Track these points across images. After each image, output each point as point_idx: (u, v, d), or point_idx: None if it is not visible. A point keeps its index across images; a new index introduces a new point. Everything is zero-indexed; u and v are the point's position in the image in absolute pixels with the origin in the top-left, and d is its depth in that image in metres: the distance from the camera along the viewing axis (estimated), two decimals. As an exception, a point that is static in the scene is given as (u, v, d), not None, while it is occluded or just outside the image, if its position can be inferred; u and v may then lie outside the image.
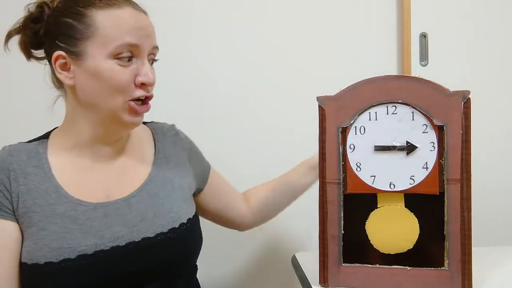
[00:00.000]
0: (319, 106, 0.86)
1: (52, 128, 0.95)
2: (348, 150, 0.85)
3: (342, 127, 0.84)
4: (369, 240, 0.85)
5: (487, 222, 1.22)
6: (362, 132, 0.84)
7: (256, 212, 1.12)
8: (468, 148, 0.80)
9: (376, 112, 0.84)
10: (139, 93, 0.86)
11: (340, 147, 0.84)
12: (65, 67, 0.85)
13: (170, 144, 1.01)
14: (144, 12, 0.88)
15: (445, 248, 0.81)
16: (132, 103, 0.86)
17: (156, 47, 0.89)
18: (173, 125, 1.06)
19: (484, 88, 1.34)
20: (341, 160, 0.85)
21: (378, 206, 0.85)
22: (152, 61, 0.90)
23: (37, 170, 0.87)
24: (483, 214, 1.03)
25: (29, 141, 0.93)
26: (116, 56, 0.83)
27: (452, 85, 0.81)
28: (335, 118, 0.85)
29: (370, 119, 0.84)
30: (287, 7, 1.38)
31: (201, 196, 1.07)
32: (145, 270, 0.86)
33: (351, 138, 0.84)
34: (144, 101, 0.88)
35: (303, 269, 0.96)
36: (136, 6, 0.87)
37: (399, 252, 0.84)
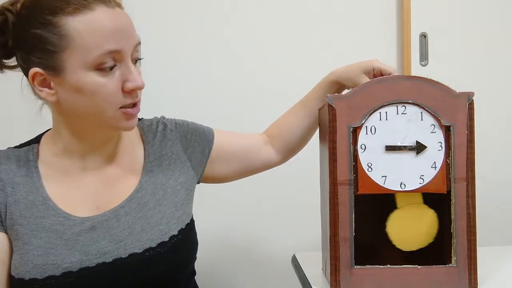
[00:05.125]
0: (329, 105, 0.84)
1: (44, 130, 0.90)
2: (359, 150, 0.83)
3: (353, 127, 0.83)
4: (390, 241, 0.86)
5: (489, 222, 1.29)
6: (373, 132, 0.84)
7: (283, 148, 1.03)
8: (473, 148, 0.84)
9: (386, 112, 0.84)
10: (128, 100, 0.79)
11: (351, 147, 0.83)
12: (44, 83, 0.77)
13: (160, 141, 0.93)
14: (118, 5, 0.80)
15: (452, 245, 0.83)
16: (125, 109, 0.79)
17: (139, 43, 0.81)
18: (161, 118, 0.98)
19: (484, 88, 1.39)
20: (352, 160, 0.83)
21: (398, 207, 0.85)
22: (136, 60, 0.82)
23: (26, 179, 0.82)
24: (485, 214, 1.08)
25: (19, 146, 0.87)
26: (98, 67, 0.75)
27: (452, 85, 0.84)
28: (346, 118, 0.83)
29: (380, 119, 0.84)
30: (286, 7, 1.39)
31: (213, 168, 0.98)
32: (133, 286, 0.82)
33: (362, 138, 0.83)
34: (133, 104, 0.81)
35: (303, 269, 0.95)
36: (107, 3, 0.77)
37: (421, 247, 0.85)
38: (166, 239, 0.84)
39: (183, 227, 0.88)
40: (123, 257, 0.81)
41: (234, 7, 1.38)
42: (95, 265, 0.79)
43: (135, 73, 0.78)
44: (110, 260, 0.80)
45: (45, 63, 0.75)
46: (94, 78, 0.75)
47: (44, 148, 0.86)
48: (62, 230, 0.80)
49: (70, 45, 0.73)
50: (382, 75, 0.92)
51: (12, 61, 0.82)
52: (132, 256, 0.81)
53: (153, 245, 0.83)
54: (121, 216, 0.83)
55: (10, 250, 0.81)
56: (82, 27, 0.73)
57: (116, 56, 0.76)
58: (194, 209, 0.95)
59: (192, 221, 0.92)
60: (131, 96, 0.79)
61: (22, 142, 0.89)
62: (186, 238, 0.88)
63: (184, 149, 0.94)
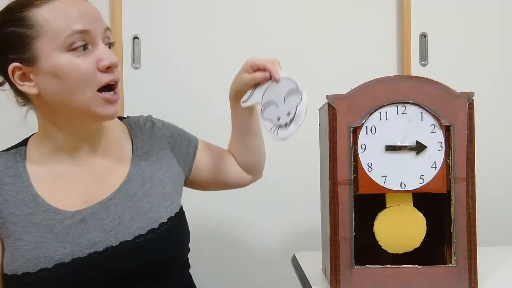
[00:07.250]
0: (329, 105, 0.84)
1: (30, 135, 0.90)
2: (360, 150, 0.83)
3: (354, 127, 0.83)
4: (377, 241, 0.85)
5: (489, 222, 1.29)
6: (373, 131, 0.84)
7: (244, 169, 1.08)
8: (473, 148, 0.84)
9: (386, 112, 0.84)
10: (107, 78, 0.81)
11: (351, 147, 0.83)
12: (24, 77, 0.80)
13: (148, 137, 0.96)
14: None
15: (452, 245, 0.83)
16: (103, 94, 0.81)
17: (108, 29, 0.85)
18: (149, 116, 1.01)
19: (483, 88, 1.38)
20: (352, 160, 0.83)
21: (387, 206, 0.85)
22: (109, 45, 0.85)
23: (14, 179, 0.84)
24: (485, 214, 1.08)
25: (7, 150, 0.88)
26: (70, 48, 0.78)
27: (451, 85, 0.84)
28: (346, 118, 0.83)
29: (380, 119, 0.84)
30: (286, 7, 1.39)
31: (195, 173, 1.01)
32: (127, 274, 0.83)
33: (362, 138, 0.84)
34: (112, 88, 0.83)
35: (303, 269, 0.95)
36: None
37: (406, 251, 0.85)
38: (156, 226, 0.86)
39: (172, 215, 0.89)
40: (114, 245, 0.82)
41: (233, 8, 1.38)
42: (87, 255, 0.80)
43: (108, 52, 0.81)
44: (101, 249, 0.81)
45: (21, 57, 0.79)
46: (68, 59, 0.78)
47: (31, 149, 0.87)
48: (53, 224, 0.81)
49: (39, 32, 0.77)
50: (262, 69, 0.89)
51: None
52: (123, 244, 0.83)
53: (143, 232, 0.84)
54: (111, 207, 0.85)
55: (2, 250, 0.82)
56: (49, 15, 0.78)
57: (85, 37, 0.79)
58: (194, 210, 0.95)
59: (181, 210, 0.93)
60: (108, 74, 0.81)
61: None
62: (176, 226, 0.90)
63: (171, 148, 0.97)
